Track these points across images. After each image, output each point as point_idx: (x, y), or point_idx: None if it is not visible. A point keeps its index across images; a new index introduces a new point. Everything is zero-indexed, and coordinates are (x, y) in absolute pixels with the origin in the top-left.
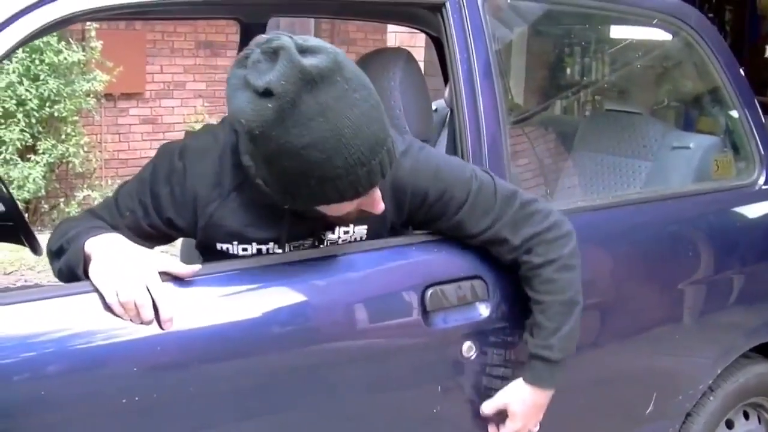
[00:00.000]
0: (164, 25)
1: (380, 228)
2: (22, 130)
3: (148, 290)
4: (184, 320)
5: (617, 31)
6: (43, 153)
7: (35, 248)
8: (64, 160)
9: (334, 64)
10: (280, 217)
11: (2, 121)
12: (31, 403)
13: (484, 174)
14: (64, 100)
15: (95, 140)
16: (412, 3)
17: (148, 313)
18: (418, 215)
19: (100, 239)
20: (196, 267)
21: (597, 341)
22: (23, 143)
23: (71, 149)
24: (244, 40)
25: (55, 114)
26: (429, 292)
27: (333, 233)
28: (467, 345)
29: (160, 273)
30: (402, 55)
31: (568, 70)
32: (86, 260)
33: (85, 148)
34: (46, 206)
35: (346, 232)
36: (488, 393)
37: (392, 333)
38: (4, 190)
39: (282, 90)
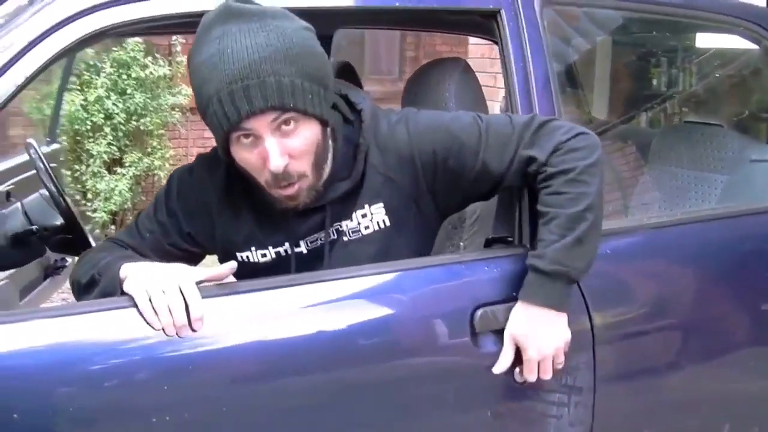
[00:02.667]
0: None
1: (398, 204)
2: (109, 144)
3: (181, 292)
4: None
5: (701, 40)
6: (130, 166)
7: None
8: (149, 173)
9: (259, 10)
10: (286, 214)
11: (90, 134)
12: (118, 409)
13: (494, 114)
14: (150, 114)
15: (180, 153)
16: (466, 11)
17: (180, 315)
18: (438, 181)
19: (135, 264)
20: (232, 264)
21: (670, 363)
22: (110, 156)
23: (157, 162)
24: None
25: (142, 128)
26: (478, 313)
27: (351, 220)
28: (520, 369)
29: (198, 282)
30: (458, 65)
31: (654, 81)
32: (122, 284)
33: (171, 162)
34: (131, 218)
35: (364, 216)
36: (542, 420)
37: (439, 355)
38: (64, 203)
39: (205, 18)
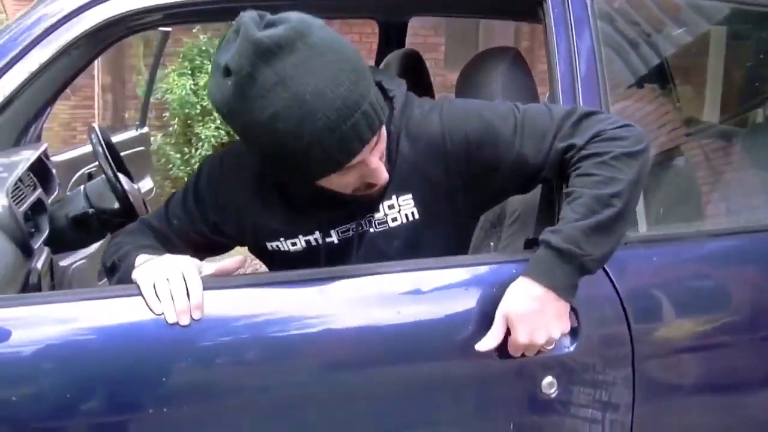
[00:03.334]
0: None
1: (429, 196)
2: (217, 128)
3: (184, 279)
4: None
5: None
6: None
7: None
8: None
9: (293, 32)
10: (317, 205)
11: (200, 118)
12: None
13: (533, 104)
14: None
15: None
16: None
17: (181, 301)
18: (472, 172)
19: (148, 255)
20: (240, 258)
21: (720, 383)
22: (218, 140)
23: None
24: (384, 41)
25: None
26: None
27: (378, 212)
28: (548, 380)
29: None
30: (508, 55)
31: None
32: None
33: None
34: None
35: (390, 207)
36: None
37: (463, 361)
38: (120, 187)
39: (237, 65)
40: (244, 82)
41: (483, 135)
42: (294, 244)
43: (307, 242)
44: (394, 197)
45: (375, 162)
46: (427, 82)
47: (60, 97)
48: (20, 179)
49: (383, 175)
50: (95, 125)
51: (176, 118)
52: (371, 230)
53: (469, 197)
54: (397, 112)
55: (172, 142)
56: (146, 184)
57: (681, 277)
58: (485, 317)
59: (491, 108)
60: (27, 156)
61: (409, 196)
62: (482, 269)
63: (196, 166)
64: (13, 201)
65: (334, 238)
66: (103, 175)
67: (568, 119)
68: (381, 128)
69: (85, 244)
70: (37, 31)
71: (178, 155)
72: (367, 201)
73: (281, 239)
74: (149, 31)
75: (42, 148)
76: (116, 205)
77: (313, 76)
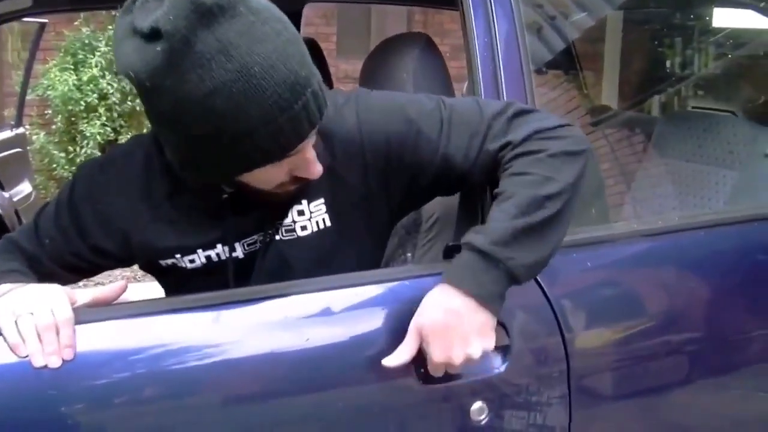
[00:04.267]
0: None
1: (343, 202)
2: (103, 125)
3: (53, 313)
4: None
5: (719, 18)
6: None
7: None
8: None
9: None
10: (222, 214)
11: (84, 115)
12: None
13: (462, 99)
14: None
15: None
16: None
17: (49, 341)
18: (391, 176)
19: (12, 286)
20: (122, 284)
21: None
22: (104, 138)
23: None
24: None
25: (138, 108)
26: None
27: (286, 217)
28: (477, 406)
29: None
30: (419, 41)
31: (667, 62)
32: None
33: None
34: None
35: (300, 213)
36: None
37: (379, 388)
38: None
39: (171, 27)
40: (178, 48)
41: (404, 135)
42: (192, 261)
43: (208, 258)
44: (304, 202)
45: (312, 152)
46: (326, 72)
47: None
48: None
49: (317, 167)
50: None
51: (59, 116)
52: (277, 238)
53: (387, 203)
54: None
55: (56, 140)
56: (24, 188)
57: (617, 281)
58: (402, 339)
59: (414, 103)
60: None
61: (321, 201)
62: (397, 284)
63: None
64: None
65: (239, 252)
66: None
67: (500, 116)
68: None
69: None
70: None
71: (63, 154)
72: (278, 207)
73: (176, 256)
74: (24, 21)
75: None
76: None
77: (260, 45)
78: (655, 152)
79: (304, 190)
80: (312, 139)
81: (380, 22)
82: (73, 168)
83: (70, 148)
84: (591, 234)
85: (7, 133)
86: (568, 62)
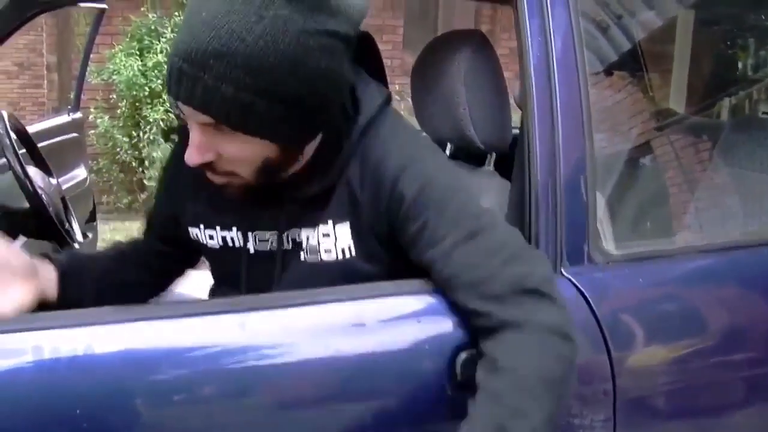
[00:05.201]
0: None
1: (364, 228)
2: (166, 110)
3: None
4: None
5: None
6: None
7: (71, 238)
8: None
9: None
10: (242, 200)
11: (149, 100)
12: None
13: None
14: None
15: None
16: None
17: None
18: (397, 227)
19: None
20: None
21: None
22: (167, 123)
23: None
24: None
25: None
26: (462, 356)
27: (312, 235)
28: None
29: None
30: (472, 39)
31: (739, 65)
32: None
33: None
34: None
35: (326, 235)
36: None
37: (412, 409)
38: (29, 185)
39: None
40: None
41: (423, 223)
42: (211, 237)
43: (224, 239)
44: (330, 223)
45: (194, 134)
46: (380, 67)
47: (8, 75)
48: None
49: (188, 155)
50: (3, 112)
51: (124, 100)
52: (301, 257)
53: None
54: (356, 131)
55: (120, 125)
56: (78, 173)
57: (671, 299)
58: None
59: (460, 199)
60: None
61: (347, 224)
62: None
63: (144, 150)
64: None
65: (251, 246)
66: (11, 171)
67: (518, 283)
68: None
69: None
70: None
71: (126, 139)
72: (293, 211)
73: (200, 226)
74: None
75: None
76: (26, 205)
77: (220, 19)
78: (720, 160)
79: (330, 212)
80: (195, 120)
81: (448, 15)
82: (136, 152)
83: (134, 133)
84: (645, 248)
85: (63, 118)
86: (634, 63)
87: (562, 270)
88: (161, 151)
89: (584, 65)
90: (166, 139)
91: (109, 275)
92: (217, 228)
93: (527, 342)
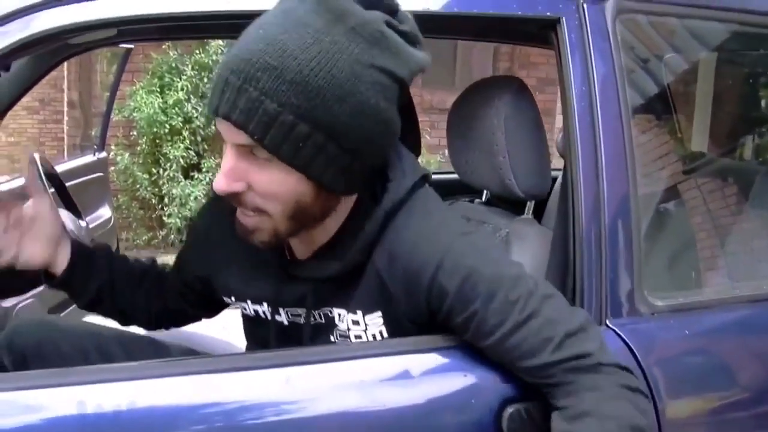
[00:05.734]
0: None
1: (399, 317)
2: (186, 148)
3: None
4: None
5: None
6: (207, 171)
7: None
8: None
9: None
10: (272, 272)
11: (169, 137)
12: None
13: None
14: None
15: None
16: (521, 19)
17: None
18: (441, 318)
19: None
20: None
21: None
22: (188, 161)
23: None
24: None
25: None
26: (509, 411)
27: (341, 318)
28: None
29: None
30: (510, 85)
31: (763, 104)
32: None
33: None
34: None
35: (355, 323)
36: None
37: None
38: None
39: None
40: None
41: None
42: (244, 309)
43: (256, 312)
44: (359, 312)
45: (227, 157)
46: (409, 105)
47: (29, 110)
48: None
49: (218, 178)
50: (36, 156)
51: (144, 137)
52: (331, 338)
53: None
54: (380, 211)
55: (140, 162)
56: (103, 213)
57: (717, 350)
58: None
59: (503, 286)
60: None
61: (378, 314)
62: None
63: (164, 187)
64: None
65: (283, 318)
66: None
67: (576, 370)
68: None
69: (25, 291)
70: None
71: (146, 175)
72: (324, 292)
73: (232, 298)
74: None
75: None
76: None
77: (277, 34)
78: (755, 205)
79: (358, 300)
80: (240, 152)
81: (466, 54)
82: (156, 189)
83: (154, 170)
84: (690, 299)
85: (89, 158)
86: (664, 106)
87: (607, 322)
88: (181, 189)
89: (628, 113)
90: (186, 176)
91: (119, 288)
92: (248, 302)
93: (608, 395)
